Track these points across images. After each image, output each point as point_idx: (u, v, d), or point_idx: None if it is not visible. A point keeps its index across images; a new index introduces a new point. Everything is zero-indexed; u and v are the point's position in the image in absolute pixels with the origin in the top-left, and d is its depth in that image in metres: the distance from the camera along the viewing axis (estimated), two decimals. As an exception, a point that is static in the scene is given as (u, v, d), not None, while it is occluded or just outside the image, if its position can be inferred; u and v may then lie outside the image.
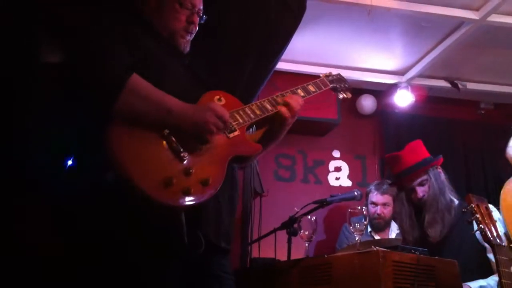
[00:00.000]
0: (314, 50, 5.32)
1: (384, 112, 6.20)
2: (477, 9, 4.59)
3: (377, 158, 6.17)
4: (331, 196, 3.20)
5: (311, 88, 2.79)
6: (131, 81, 2.18)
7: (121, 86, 2.16)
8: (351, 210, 3.08)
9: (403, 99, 5.86)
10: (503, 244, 2.59)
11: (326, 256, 2.94)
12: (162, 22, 2.51)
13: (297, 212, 3.23)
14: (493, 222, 2.61)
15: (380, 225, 4.90)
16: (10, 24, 3.75)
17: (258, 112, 2.51)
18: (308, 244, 3.31)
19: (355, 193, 3.21)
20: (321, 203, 3.09)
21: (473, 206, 2.62)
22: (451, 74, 5.79)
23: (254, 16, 3.25)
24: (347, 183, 6.00)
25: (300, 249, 3.31)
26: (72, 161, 2.69)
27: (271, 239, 3.70)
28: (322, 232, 5.54)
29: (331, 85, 2.91)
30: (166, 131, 2.23)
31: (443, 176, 3.60)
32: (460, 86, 5.86)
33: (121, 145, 2.15)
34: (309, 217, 3.26)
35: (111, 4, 2.60)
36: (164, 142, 2.22)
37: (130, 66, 2.23)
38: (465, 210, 2.66)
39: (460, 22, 4.75)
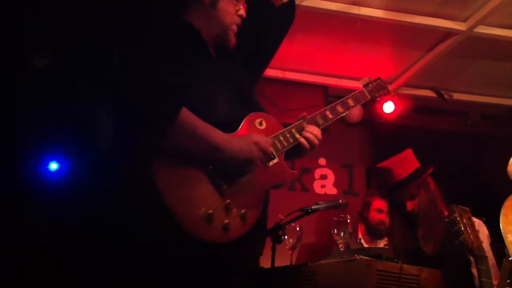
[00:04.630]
0: (302, 57, 5.34)
1: (371, 121, 6.22)
2: (464, 20, 4.62)
3: (364, 167, 6.18)
4: (316, 204, 3.20)
5: (350, 102, 2.78)
6: (180, 117, 2.16)
7: (170, 122, 2.14)
8: (336, 219, 3.09)
9: (390, 108, 5.87)
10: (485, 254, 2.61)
11: (310, 264, 2.94)
12: (215, 19, 2.48)
13: (282, 220, 3.22)
14: (475, 232, 2.62)
15: (382, 232, 4.85)
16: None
17: (297, 135, 2.50)
18: (292, 252, 3.30)
19: (340, 201, 3.21)
20: (306, 211, 3.08)
21: (456, 216, 2.62)
22: (437, 84, 5.83)
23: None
24: (332, 191, 5.99)
25: (285, 257, 3.30)
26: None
27: (256, 246, 3.68)
28: (307, 238, 5.53)
29: (370, 96, 2.90)
30: (210, 166, 2.22)
31: (433, 186, 3.57)
32: (446, 96, 5.89)
33: (166, 181, 2.14)
34: (293, 224, 3.25)
35: (158, 17, 2.56)
36: (206, 176, 2.22)
37: (180, 99, 2.19)
38: (448, 220, 2.66)
39: (448, 33, 4.78)
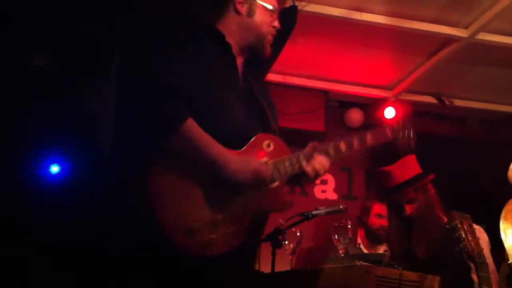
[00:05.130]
0: (304, 62, 5.34)
1: (371, 126, 6.17)
2: (466, 27, 4.62)
3: (363, 171, 6.18)
4: (316, 209, 3.19)
5: (369, 138, 2.67)
6: (185, 126, 2.16)
7: (174, 130, 2.14)
8: (336, 224, 3.08)
9: (390, 113, 5.87)
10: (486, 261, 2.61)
11: (309, 269, 2.94)
12: (251, 28, 2.49)
13: (282, 224, 3.21)
14: (476, 239, 2.62)
15: (382, 237, 4.79)
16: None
17: (304, 164, 2.44)
18: (293, 257, 3.29)
19: (341, 207, 3.20)
20: (307, 216, 3.08)
21: (457, 223, 2.62)
22: (438, 90, 5.82)
23: None
24: (333, 196, 5.99)
25: (285, 262, 3.29)
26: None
27: (255, 250, 3.68)
28: (306, 242, 5.52)
29: (392, 136, 2.80)
30: (206, 180, 2.21)
31: (432, 193, 3.58)
32: (447, 102, 5.89)
33: (158, 186, 2.15)
34: (294, 229, 3.24)
35: (183, 22, 2.56)
36: (200, 187, 2.21)
37: (187, 107, 2.19)
38: (449, 227, 2.66)
39: (449, 39, 4.78)
